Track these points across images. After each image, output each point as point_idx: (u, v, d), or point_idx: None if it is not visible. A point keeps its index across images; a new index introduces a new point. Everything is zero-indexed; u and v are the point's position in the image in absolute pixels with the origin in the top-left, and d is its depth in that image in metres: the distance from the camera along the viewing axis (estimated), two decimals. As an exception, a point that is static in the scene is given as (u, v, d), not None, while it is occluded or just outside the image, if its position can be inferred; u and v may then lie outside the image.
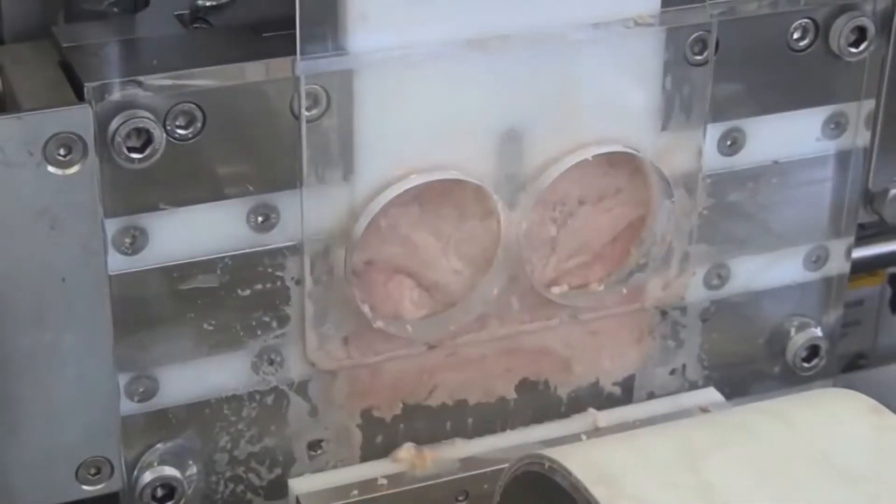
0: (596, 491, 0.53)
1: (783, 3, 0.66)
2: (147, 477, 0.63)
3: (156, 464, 0.63)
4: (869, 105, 0.69)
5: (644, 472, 0.55)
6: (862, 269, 0.80)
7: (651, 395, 0.72)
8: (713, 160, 0.68)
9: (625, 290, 0.68)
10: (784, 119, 0.68)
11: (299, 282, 0.63)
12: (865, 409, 0.58)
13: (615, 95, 0.64)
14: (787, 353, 0.74)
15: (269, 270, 0.62)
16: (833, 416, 0.58)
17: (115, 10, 0.63)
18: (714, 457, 0.55)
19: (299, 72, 0.59)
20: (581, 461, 0.54)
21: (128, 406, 0.62)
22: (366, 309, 0.64)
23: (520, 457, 0.58)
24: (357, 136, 0.61)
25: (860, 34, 0.67)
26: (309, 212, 0.62)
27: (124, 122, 0.57)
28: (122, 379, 0.62)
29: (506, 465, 0.60)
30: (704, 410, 0.71)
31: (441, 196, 0.64)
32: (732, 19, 0.65)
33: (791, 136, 0.69)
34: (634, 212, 0.68)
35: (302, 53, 0.59)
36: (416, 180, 0.63)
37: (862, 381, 0.83)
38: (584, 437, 0.69)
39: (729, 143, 0.68)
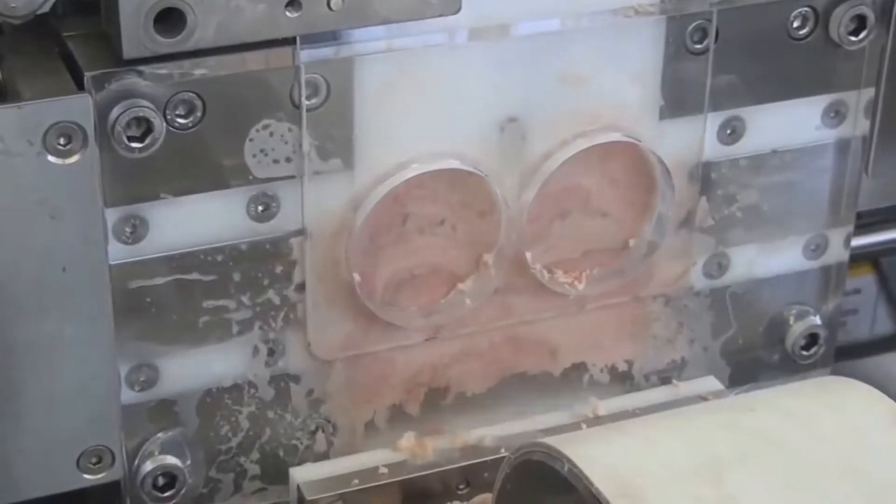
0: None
1: (783, -9, 0.66)
2: (148, 466, 0.63)
3: (157, 453, 0.63)
4: (868, 94, 0.69)
5: (667, 485, 0.53)
6: (860, 257, 0.80)
7: (651, 384, 0.72)
8: (713, 149, 0.68)
9: (625, 280, 0.68)
10: (784, 108, 0.68)
11: (300, 271, 0.63)
12: (891, 416, 0.57)
13: (615, 84, 0.64)
14: (786, 341, 0.74)
15: (270, 260, 0.62)
16: (859, 424, 0.57)
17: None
18: (739, 468, 0.54)
19: (299, 61, 0.59)
20: (602, 470, 0.53)
21: (128, 395, 0.62)
22: (366, 298, 0.64)
23: (522, 445, 0.58)
24: (357, 125, 0.61)
25: (860, 23, 0.67)
26: (309, 201, 0.62)
27: (124, 112, 0.57)
28: (123, 368, 0.62)
29: (506, 453, 0.60)
30: (703, 399, 0.71)
31: (442, 185, 0.64)
32: (732, 8, 0.65)
33: (791, 124, 0.69)
34: (635, 201, 0.68)
35: (302, 42, 0.59)
36: (416, 170, 0.63)
37: (859, 370, 0.83)
38: (584, 425, 0.69)
39: (729, 131, 0.68)
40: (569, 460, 0.54)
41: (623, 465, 0.54)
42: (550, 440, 0.56)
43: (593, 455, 0.55)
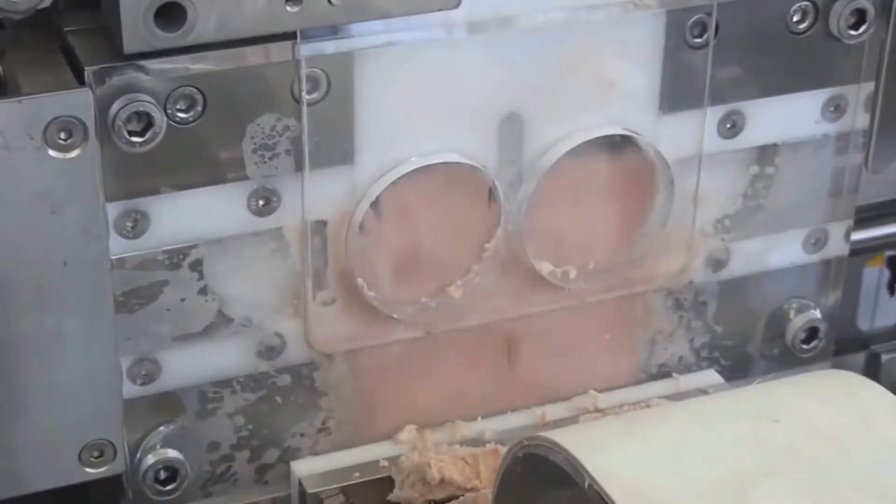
0: None
1: (783, -15, 0.66)
2: (150, 459, 0.63)
3: (158, 446, 0.63)
4: (868, 87, 0.69)
5: (688, 501, 0.52)
6: (861, 251, 0.80)
7: (651, 377, 0.72)
8: (713, 143, 0.68)
9: (625, 274, 0.68)
10: (783, 102, 0.68)
11: (300, 265, 0.63)
12: None
13: (615, 79, 0.64)
14: (786, 334, 0.74)
15: (270, 254, 0.62)
16: (885, 435, 0.56)
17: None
18: (762, 485, 0.53)
19: (300, 55, 0.59)
20: (622, 483, 0.52)
21: (130, 389, 0.62)
22: (367, 292, 0.64)
23: (523, 438, 0.58)
24: (358, 120, 0.61)
25: (860, 17, 0.67)
26: (310, 195, 0.62)
27: (125, 106, 0.57)
28: (125, 362, 0.62)
29: (506, 446, 0.60)
30: (704, 392, 0.71)
31: (442, 179, 0.64)
32: (732, 2, 0.65)
33: (790, 118, 0.69)
34: (635, 195, 0.68)
35: (302, 36, 0.59)
36: (416, 163, 0.63)
37: (859, 364, 0.83)
38: (581, 418, 0.69)
39: (729, 125, 0.68)
40: (589, 475, 0.53)
41: (644, 481, 0.53)
42: (555, 435, 0.56)
43: (613, 468, 0.53)
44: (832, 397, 0.58)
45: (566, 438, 0.56)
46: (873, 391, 0.59)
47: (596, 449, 0.55)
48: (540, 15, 0.62)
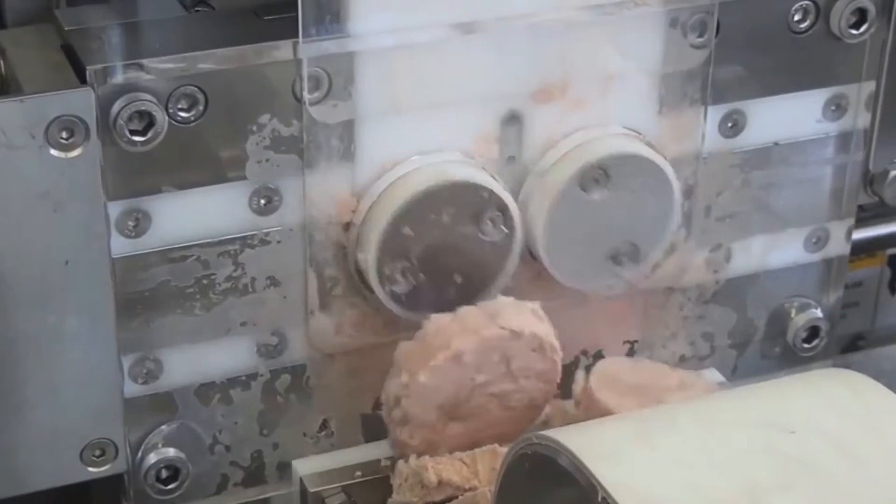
0: None
1: (784, -16, 0.66)
2: (151, 458, 0.63)
3: (160, 445, 0.63)
4: (869, 87, 0.70)
5: None
6: (861, 250, 0.80)
7: (652, 377, 0.72)
8: (714, 142, 0.68)
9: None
10: (785, 101, 0.68)
11: (302, 264, 0.63)
12: None
13: (616, 78, 0.64)
14: (787, 333, 0.74)
15: (272, 253, 0.62)
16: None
17: (118, -8, 0.63)
18: (776, 498, 0.52)
19: (301, 54, 0.59)
20: (634, 496, 0.52)
21: (132, 388, 0.62)
22: (368, 291, 0.64)
23: (524, 437, 0.57)
24: (359, 119, 0.61)
25: (861, 16, 0.67)
26: (311, 194, 0.62)
27: (126, 105, 0.57)
28: (126, 361, 0.62)
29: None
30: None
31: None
32: (733, 1, 0.65)
33: (792, 117, 0.69)
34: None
35: (304, 36, 0.59)
36: (417, 162, 0.63)
37: (860, 362, 0.83)
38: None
39: (730, 125, 0.68)
40: (602, 488, 0.52)
41: (657, 492, 0.53)
42: (562, 435, 0.56)
43: (625, 479, 0.53)
44: (839, 400, 0.58)
45: (574, 440, 0.55)
46: (877, 392, 0.59)
47: (606, 457, 0.54)
48: (540, 14, 0.62)
